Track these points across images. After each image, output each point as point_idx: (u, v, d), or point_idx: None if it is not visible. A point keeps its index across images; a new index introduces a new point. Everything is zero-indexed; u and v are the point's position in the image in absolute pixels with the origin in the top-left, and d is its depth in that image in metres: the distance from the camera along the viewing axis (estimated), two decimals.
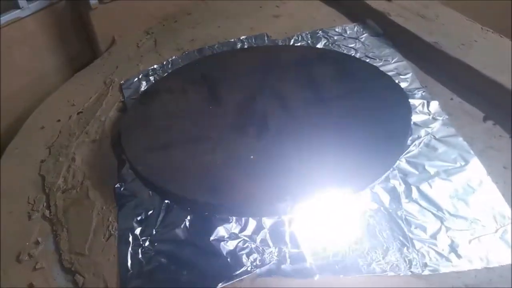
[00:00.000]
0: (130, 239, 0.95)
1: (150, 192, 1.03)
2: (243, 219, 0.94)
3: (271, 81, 1.31)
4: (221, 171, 1.01)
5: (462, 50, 1.34)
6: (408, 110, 1.15)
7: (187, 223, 0.95)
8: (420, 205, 0.97)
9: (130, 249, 0.93)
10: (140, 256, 0.92)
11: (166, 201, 0.99)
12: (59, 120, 1.40)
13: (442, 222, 0.93)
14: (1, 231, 1.05)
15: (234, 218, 0.94)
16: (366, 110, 1.17)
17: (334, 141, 1.08)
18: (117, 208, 1.02)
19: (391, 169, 1.03)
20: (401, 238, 0.90)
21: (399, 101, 1.19)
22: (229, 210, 0.94)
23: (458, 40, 1.38)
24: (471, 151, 1.07)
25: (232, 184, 0.97)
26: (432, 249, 0.89)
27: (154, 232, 0.95)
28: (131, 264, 0.91)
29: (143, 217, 0.99)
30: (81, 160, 1.21)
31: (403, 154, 1.06)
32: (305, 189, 0.95)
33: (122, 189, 1.06)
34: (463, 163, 1.05)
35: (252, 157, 1.04)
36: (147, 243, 0.94)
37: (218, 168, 1.02)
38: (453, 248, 0.89)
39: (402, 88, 1.24)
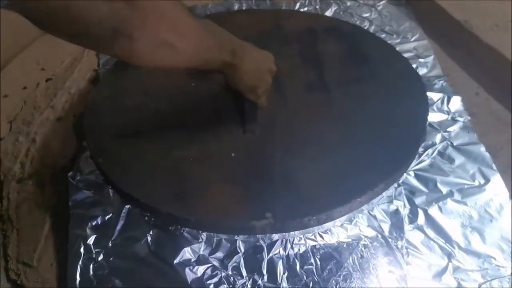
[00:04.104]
0: (82, 249, 0.81)
1: (111, 190, 0.88)
2: (214, 239, 0.80)
3: None
4: (194, 170, 0.85)
5: (495, 33, 1.13)
6: (425, 108, 0.96)
7: (149, 238, 0.81)
8: (426, 235, 0.81)
9: (80, 262, 0.80)
10: (91, 273, 0.78)
11: (127, 206, 0.85)
12: (25, 88, 1.22)
13: (449, 259, 0.78)
14: None
15: (203, 237, 0.80)
16: (374, 102, 0.98)
17: (333, 139, 0.90)
18: (70, 205, 0.88)
19: (396, 185, 0.87)
20: (398, 279, 0.76)
21: (415, 95, 0.99)
22: (195, 225, 0.79)
23: (492, 20, 1.17)
24: (494, 166, 0.90)
25: (204, 190, 0.81)
26: None
27: (110, 245, 0.81)
28: (79, 282, 0.78)
29: (99, 222, 0.84)
30: (41, 142, 1.05)
31: (412, 167, 0.90)
32: (291, 203, 0.78)
33: (77, 178, 0.91)
34: (482, 182, 0.88)
35: (233, 154, 0.88)
36: (100, 257, 0.80)
37: (191, 167, 0.85)
38: None
39: (420, 78, 1.04)
